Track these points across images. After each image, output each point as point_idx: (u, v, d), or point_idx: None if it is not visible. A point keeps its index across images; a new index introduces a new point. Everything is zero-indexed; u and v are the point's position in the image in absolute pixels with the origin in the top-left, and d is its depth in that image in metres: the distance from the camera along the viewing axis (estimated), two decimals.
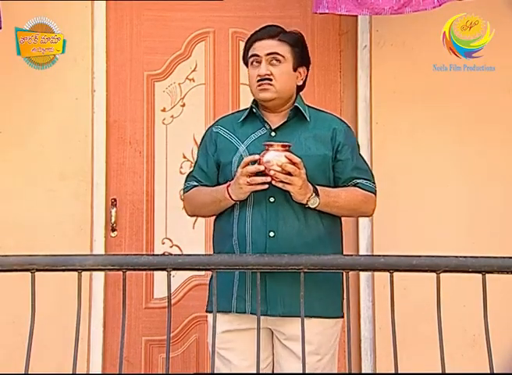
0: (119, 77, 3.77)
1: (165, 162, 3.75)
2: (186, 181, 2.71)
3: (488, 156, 3.66)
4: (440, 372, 1.96)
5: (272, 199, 2.51)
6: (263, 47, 2.59)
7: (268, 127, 2.61)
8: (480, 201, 3.66)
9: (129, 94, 3.77)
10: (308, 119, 2.63)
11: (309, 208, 2.49)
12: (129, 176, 3.74)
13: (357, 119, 3.73)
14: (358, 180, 2.61)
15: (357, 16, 3.62)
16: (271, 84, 2.57)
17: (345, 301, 2.17)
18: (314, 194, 2.47)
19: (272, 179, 2.41)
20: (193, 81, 3.80)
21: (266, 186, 2.42)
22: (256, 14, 3.79)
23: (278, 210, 2.51)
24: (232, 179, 2.50)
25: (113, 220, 3.70)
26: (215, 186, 2.61)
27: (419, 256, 1.95)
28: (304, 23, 3.80)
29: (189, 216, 2.82)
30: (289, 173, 2.39)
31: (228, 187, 2.50)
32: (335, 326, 2.59)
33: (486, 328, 1.97)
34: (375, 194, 2.65)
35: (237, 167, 2.49)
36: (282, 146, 2.42)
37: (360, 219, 3.70)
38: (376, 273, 3.38)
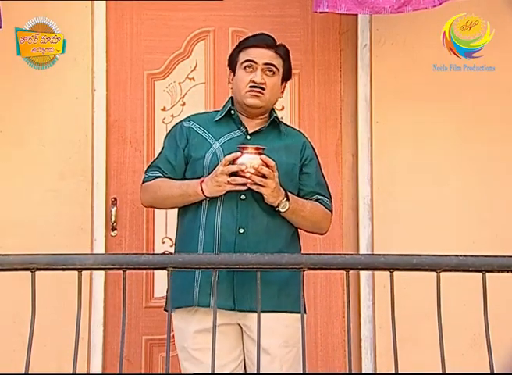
0: (119, 77, 3.77)
1: None
2: (148, 171, 2.71)
3: (488, 156, 3.66)
4: (440, 371, 1.96)
5: (243, 197, 2.56)
6: (261, 55, 2.65)
7: (243, 131, 2.66)
8: (480, 201, 3.66)
9: (130, 94, 3.77)
10: (283, 130, 2.71)
11: (278, 211, 2.56)
12: (130, 175, 3.74)
13: (358, 119, 3.73)
14: (320, 197, 2.71)
15: (357, 14, 3.61)
16: (262, 93, 2.63)
17: (345, 300, 2.17)
18: (285, 199, 2.54)
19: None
20: (194, 80, 3.80)
21: (245, 187, 2.48)
22: (256, 13, 3.79)
23: (248, 208, 2.56)
24: (203, 175, 2.55)
25: (113, 219, 3.70)
26: (179, 180, 2.63)
27: (419, 255, 1.95)
28: (304, 22, 3.81)
29: (144, 206, 2.85)
30: (263, 176, 2.45)
31: (202, 182, 2.52)
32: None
33: (486, 327, 1.97)
34: (332, 214, 2.76)
35: (210, 163, 2.56)
36: (256, 149, 2.47)
37: (361, 219, 3.70)
38: (376, 272, 3.39)
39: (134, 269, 1.97)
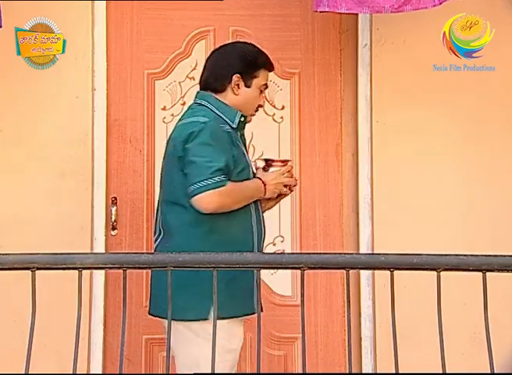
0: (120, 76, 3.77)
1: None
2: (214, 175, 2.52)
3: (488, 156, 3.66)
4: (440, 371, 1.96)
5: None
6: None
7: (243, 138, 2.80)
8: (480, 200, 3.66)
9: (130, 93, 3.77)
10: None
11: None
12: (130, 174, 3.75)
13: (358, 118, 3.73)
14: None
15: (357, 14, 3.61)
16: None
17: (345, 299, 2.17)
18: None
19: None
20: (194, 80, 3.79)
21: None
22: (256, 12, 3.79)
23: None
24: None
25: (113, 219, 3.70)
26: None
27: (419, 255, 1.95)
28: (305, 21, 3.80)
29: (213, 211, 2.56)
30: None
31: (265, 185, 2.66)
32: None
33: (487, 327, 1.97)
34: None
35: (249, 176, 2.68)
36: (282, 161, 2.69)
37: (361, 218, 3.70)
38: (376, 272, 3.38)
39: (134, 268, 1.97)
